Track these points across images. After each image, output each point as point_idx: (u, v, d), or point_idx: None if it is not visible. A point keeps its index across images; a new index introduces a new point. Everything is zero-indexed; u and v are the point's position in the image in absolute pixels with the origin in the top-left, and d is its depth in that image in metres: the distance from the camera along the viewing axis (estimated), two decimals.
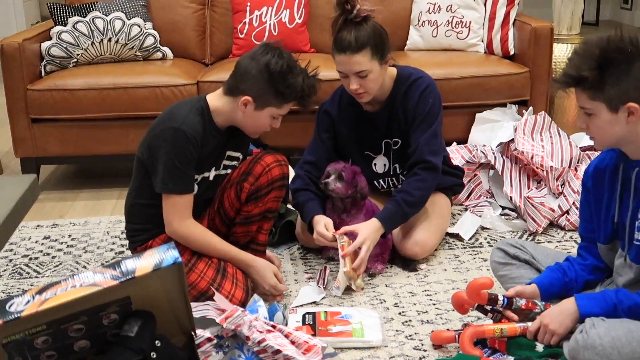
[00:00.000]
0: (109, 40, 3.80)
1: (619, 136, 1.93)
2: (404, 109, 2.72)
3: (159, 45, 3.94)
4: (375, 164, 2.87)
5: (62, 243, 3.07)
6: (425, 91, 2.70)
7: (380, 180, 2.90)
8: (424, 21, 4.03)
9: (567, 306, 1.99)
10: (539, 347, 2.02)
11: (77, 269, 2.82)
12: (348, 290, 2.55)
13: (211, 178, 2.48)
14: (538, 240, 2.95)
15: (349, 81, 2.63)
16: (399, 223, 2.67)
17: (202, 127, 2.34)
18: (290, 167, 2.60)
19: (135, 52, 3.88)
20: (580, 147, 3.33)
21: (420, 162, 2.66)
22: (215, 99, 2.42)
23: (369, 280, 2.63)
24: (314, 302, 2.49)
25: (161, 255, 1.56)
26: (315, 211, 2.67)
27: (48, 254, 2.97)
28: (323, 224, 2.62)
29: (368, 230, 2.56)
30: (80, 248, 3.02)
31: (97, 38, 3.78)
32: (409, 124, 2.72)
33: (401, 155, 2.80)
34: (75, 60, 3.79)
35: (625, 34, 1.85)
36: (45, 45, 3.73)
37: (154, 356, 1.57)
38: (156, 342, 1.59)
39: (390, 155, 2.83)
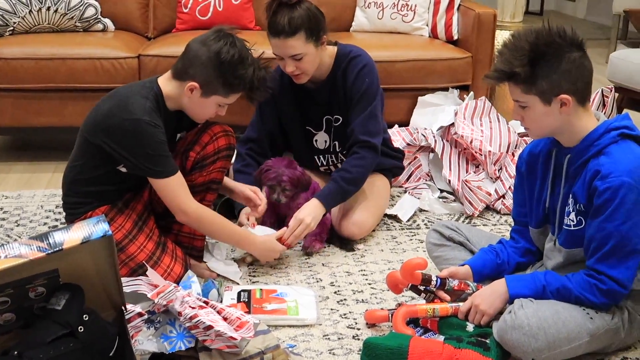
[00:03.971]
0: (48, 9, 3.69)
1: (553, 126, 1.97)
2: (344, 87, 2.73)
3: (100, 16, 3.85)
4: (316, 140, 2.88)
5: None
6: (362, 71, 2.71)
7: (321, 157, 2.92)
8: (370, 3, 4.04)
9: (498, 287, 2.03)
10: (470, 327, 2.06)
11: (8, 242, 2.74)
12: (284, 268, 2.55)
13: None
14: (474, 223, 2.99)
15: (285, 63, 2.63)
16: (338, 200, 2.67)
17: (159, 115, 2.28)
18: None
19: (75, 22, 3.78)
20: (518, 133, 3.39)
21: (357, 143, 2.68)
22: (165, 83, 2.34)
23: (306, 259, 2.63)
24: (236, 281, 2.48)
25: (91, 228, 1.53)
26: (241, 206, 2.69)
27: None
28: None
29: (307, 209, 2.57)
30: (12, 221, 2.94)
31: (35, 6, 3.67)
32: (348, 102, 2.73)
33: (342, 133, 2.81)
34: (11, 28, 3.67)
35: (553, 26, 1.89)
36: None
37: (81, 330, 1.55)
38: (84, 316, 1.57)
39: (331, 132, 2.85)
